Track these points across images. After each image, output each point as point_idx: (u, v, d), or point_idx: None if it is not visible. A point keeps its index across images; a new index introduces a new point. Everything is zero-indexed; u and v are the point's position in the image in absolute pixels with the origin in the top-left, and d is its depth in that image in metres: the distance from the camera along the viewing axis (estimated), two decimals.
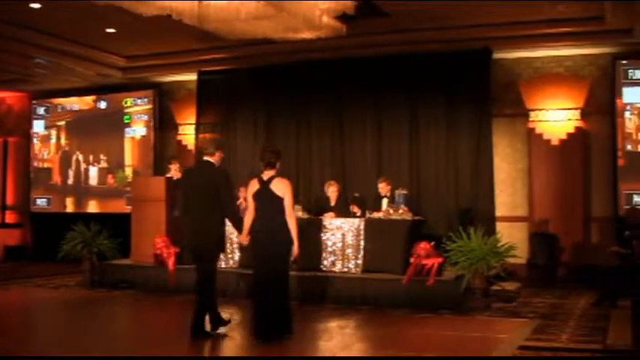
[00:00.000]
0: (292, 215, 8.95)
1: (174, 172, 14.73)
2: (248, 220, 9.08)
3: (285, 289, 9.01)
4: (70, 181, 20.09)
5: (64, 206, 20.12)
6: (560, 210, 14.59)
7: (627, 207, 13.76)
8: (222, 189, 9.17)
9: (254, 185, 9.02)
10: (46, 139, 20.60)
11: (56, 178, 20.39)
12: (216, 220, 9.23)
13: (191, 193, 9.42)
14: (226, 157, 16.70)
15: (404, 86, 15.56)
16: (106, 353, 8.40)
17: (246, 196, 9.40)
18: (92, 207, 19.71)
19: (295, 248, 8.97)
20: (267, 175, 8.99)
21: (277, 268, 8.90)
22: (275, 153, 9.11)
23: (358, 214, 12.80)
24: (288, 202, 8.90)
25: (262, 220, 8.95)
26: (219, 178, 9.27)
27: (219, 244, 9.39)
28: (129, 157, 19.26)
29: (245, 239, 9.14)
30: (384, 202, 13.18)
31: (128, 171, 19.21)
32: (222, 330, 9.35)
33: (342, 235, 12.28)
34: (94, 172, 19.78)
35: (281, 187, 8.92)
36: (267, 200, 8.92)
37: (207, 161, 9.44)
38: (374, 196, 13.46)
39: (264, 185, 8.94)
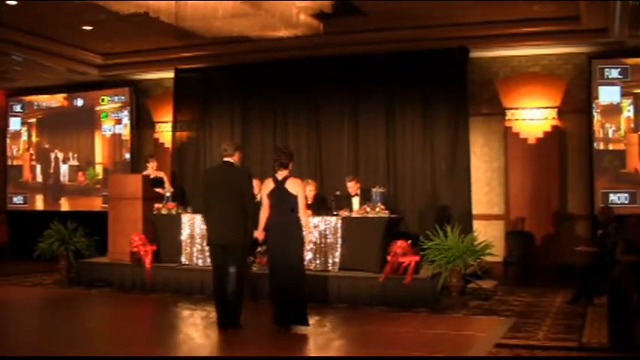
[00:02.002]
0: (305, 212, 9.55)
1: (152, 170, 14.71)
2: (263, 217, 9.53)
3: (303, 282, 9.49)
4: (42, 179, 20.01)
5: (39, 203, 20.01)
6: (536, 208, 14.65)
7: (601, 205, 13.82)
8: (245, 187, 9.65)
9: (269, 184, 9.54)
10: (16, 136, 20.49)
11: (27, 175, 20.28)
12: (240, 217, 9.60)
13: (214, 192, 9.74)
14: (202, 155, 16.80)
15: (381, 85, 15.50)
16: (84, 353, 8.35)
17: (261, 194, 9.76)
18: (64, 205, 19.63)
19: (306, 242, 9.66)
20: (281, 175, 9.54)
21: (293, 263, 9.40)
22: (287, 154, 9.66)
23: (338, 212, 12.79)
24: (300, 199, 9.46)
25: (278, 216, 9.47)
26: (243, 177, 9.78)
27: (247, 238, 9.78)
28: (99, 154, 19.19)
29: (261, 235, 9.62)
30: (355, 200, 13.22)
31: (98, 169, 19.15)
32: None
33: (319, 234, 12.27)
34: (64, 169, 19.70)
35: (295, 186, 9.49)
36: (282, 198, 9.46)
37: (228, 162, 9.82)
38: (345, 196, 13.50)
39: (279, 184, 9.49)
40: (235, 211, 9.54)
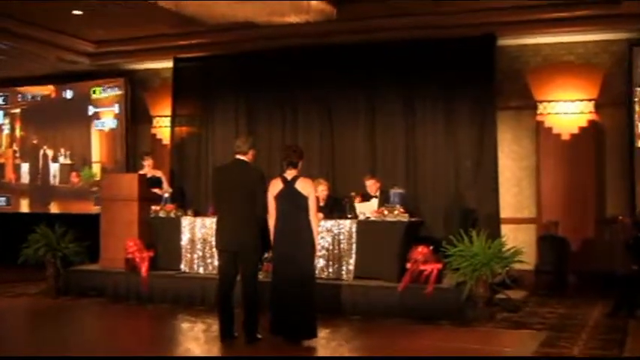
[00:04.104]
0: (316, 214, 9.67)
1: (148, 168, 14.68)
2: (272, 223, 9.51)
3: (313, 292, 9.51)
4: (28, 180, 19.80)
5: (24, 206, 19.89)
6: (570, 211, 14.56)
7: None
8: (257, 188, 9.57)
9: (277, 185, 9.53)
10: None
11: (9, 175, 20.14)
12: (253, 219, 9.54)
13: (224, 193, 9.75)
14: (203, 152, 16.78)
15: (399, 76, 15.45)
16: None
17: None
18: (54, 207, 19.41)
19: (316, 246, 9.72)
20: (290, 174, 9.57)
21: (303, 271, 9.42)
22: (297, 152, 9.69)
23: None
24: (312, 201, 9.51)
25: (287, 220, 9.44)
26: (256, 178, 9.69)
27: (259, 243, 9.64)
28: (96, 152, 18.99)
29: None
30: (374, 202, 13.16)
31: (96, 168, 18.93)
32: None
33: (332, 238, 12.22)
34: (54, 168, 19.47)
35: (306, 187, 9.53)
36: (292, 200, 9.48)
37: (241, 160, 9.77)
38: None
39: (289, 185, 9.47)
40: (247, 215, 9.48)
